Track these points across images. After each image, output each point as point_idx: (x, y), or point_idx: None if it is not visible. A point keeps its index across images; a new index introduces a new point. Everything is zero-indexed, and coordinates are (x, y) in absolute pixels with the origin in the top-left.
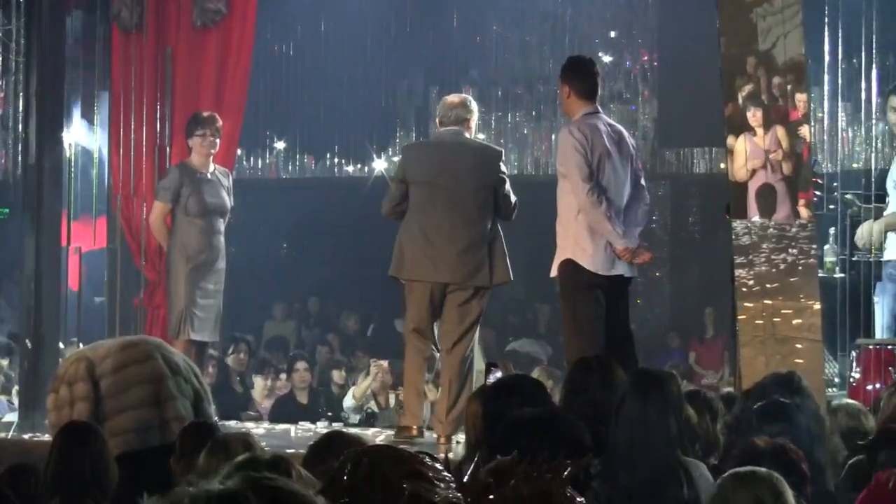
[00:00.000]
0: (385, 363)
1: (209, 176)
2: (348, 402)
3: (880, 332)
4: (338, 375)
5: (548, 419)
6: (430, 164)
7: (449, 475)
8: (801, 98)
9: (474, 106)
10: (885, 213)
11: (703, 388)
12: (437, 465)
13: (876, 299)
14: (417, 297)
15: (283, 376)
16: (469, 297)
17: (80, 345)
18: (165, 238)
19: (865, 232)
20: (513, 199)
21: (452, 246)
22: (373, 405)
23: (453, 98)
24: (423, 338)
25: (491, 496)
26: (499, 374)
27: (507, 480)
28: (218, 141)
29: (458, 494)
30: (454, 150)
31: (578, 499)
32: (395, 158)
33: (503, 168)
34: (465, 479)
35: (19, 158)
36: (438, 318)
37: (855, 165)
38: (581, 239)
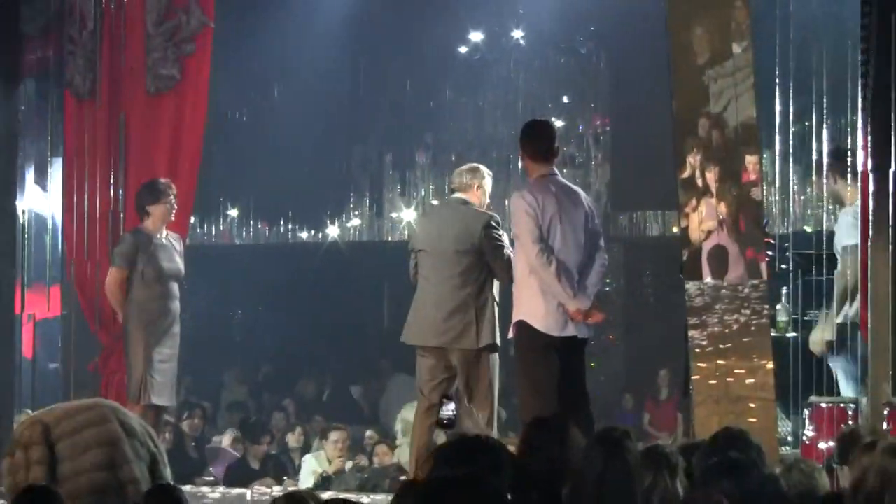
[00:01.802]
0: (344, 431)
1: (164, 241)
2: (305, 466)
3: (844, 391)
4: (293, 439)
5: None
6: (424, 231)
7: None
8: (752, 160)
9: (483, 172)
10: (834, 275)
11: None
12: None
13: (831, 363)
14: (418, 362)
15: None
16: (466, 359)
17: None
18: (121, 304)
19: (818, 339)
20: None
21: (437, 311)
22: (329, 469)
23: (464, 166)
24: (427, 400)
25: None
26: (451, 407)
27: None
28: (175, 208)
29: None
30: (443, 217)
31: None
32: (349, 224)
33: (494, 233)
34: None
35: None
36: (448, 381)
37: (807, 228)
38: (533, 300)
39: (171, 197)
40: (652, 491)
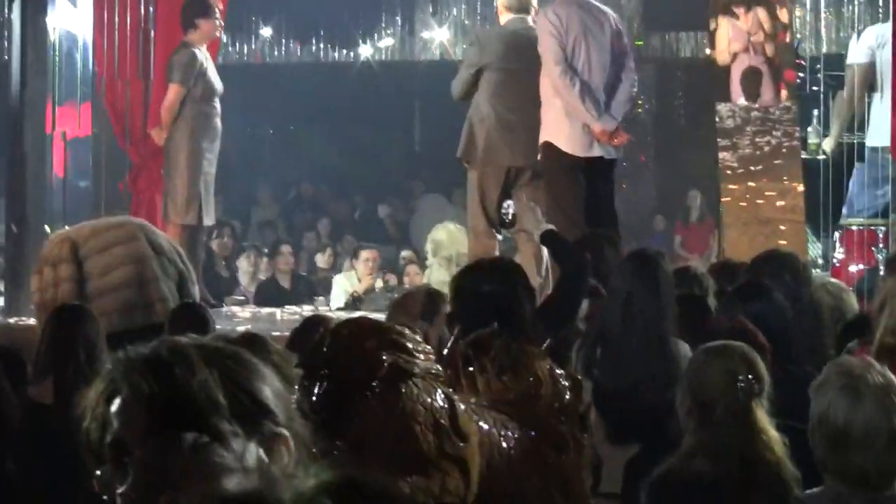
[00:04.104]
0: (374, 251)
1: (208, 57)
2: (336, 285)
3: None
4: (323, 259)
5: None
6: (499, 46)
7: (428, 347)
8: None
9: None
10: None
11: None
12: (417, 338)
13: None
14: (485, 181)
15: (266, 259)
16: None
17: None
18: (172, 122)
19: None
20: None
21: (525, 132)
22: (359, 288)
23: None
24: (491, 226)
25: (471, 367)
26: (510, 204)
27: (486, 352)
28: (223, 24)
29: (438, 366)
30: (518, 36)
31: (558, 370)
32: (380, 44)
33: None
34: (444, 352)
35: (3, 44)
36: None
37: (838, 50)
38: (559, 121)
39: (218, 11)
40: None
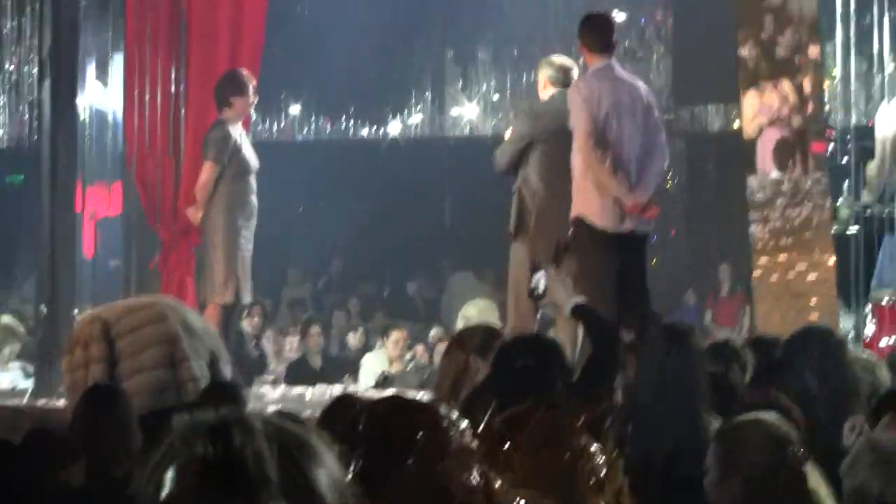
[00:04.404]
0: (404, 330)
1: (242, 134)
2: (366, 365)
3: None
4: (354, 339)
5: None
6: (555, 122)
7: (464, 423)
8: (813, 50)
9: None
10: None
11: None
12: (452, 415)
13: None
14: (521, 254)
15: (295, 339)
16: None
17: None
18: (207, 200)
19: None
20: None
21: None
22: (389, 369)
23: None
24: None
25: (506, 444)
26: (540, 276)
27: (521, 428)
28: (255, 101)
29: (474, 442)
30: (559, 111)
31: (593, 445)
32: (409, 122)
33: None
34: (479, 429)
35: (34, 124)
36: None
37: (867, 121)
38: (589, 195)
39: (252, 89)
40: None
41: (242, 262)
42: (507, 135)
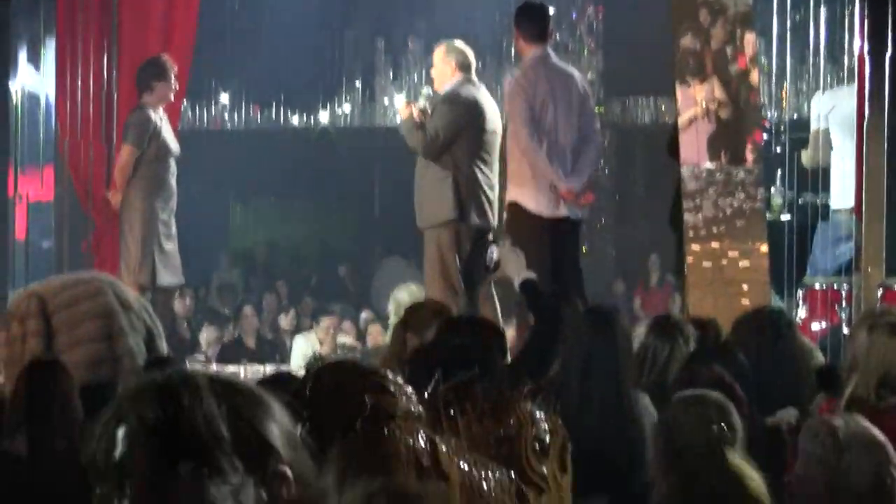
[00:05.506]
0: (335, 317)
1: (164, 118)
2: (296, 346)
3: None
4: (285, 321)
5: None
6: (482, 109)
7: (410, 389)
8: (749, 40)
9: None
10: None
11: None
12: (398, 380)
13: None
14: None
15: (232, 326)
16: None
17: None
18: (126, 183)
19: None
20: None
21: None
22: (320, 350)
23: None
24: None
25: (452, 410)
26: (494, 249)
27: (465, 396)
28: (176, 87)
29: (420, 408)
30: (484, 98)
31: (538, 412)
32: (339, 111)
33: None
34: (425, 395)
35: None
36: None
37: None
38: (524, 182)
39: (174, 74)
40: (670, 360)
41: (160, 244)
42: (434, 122)
